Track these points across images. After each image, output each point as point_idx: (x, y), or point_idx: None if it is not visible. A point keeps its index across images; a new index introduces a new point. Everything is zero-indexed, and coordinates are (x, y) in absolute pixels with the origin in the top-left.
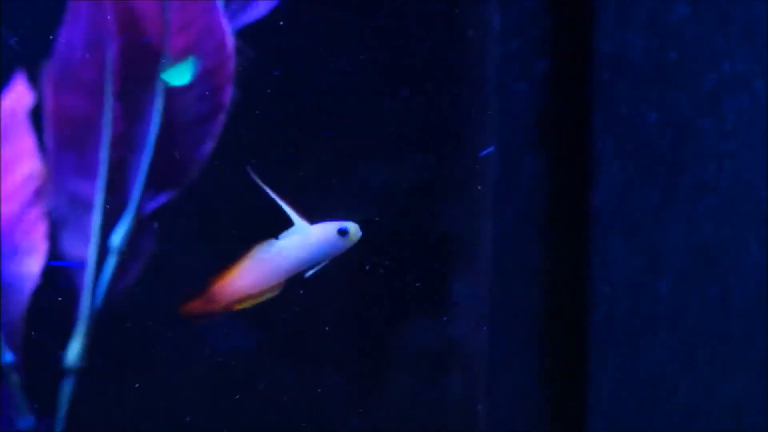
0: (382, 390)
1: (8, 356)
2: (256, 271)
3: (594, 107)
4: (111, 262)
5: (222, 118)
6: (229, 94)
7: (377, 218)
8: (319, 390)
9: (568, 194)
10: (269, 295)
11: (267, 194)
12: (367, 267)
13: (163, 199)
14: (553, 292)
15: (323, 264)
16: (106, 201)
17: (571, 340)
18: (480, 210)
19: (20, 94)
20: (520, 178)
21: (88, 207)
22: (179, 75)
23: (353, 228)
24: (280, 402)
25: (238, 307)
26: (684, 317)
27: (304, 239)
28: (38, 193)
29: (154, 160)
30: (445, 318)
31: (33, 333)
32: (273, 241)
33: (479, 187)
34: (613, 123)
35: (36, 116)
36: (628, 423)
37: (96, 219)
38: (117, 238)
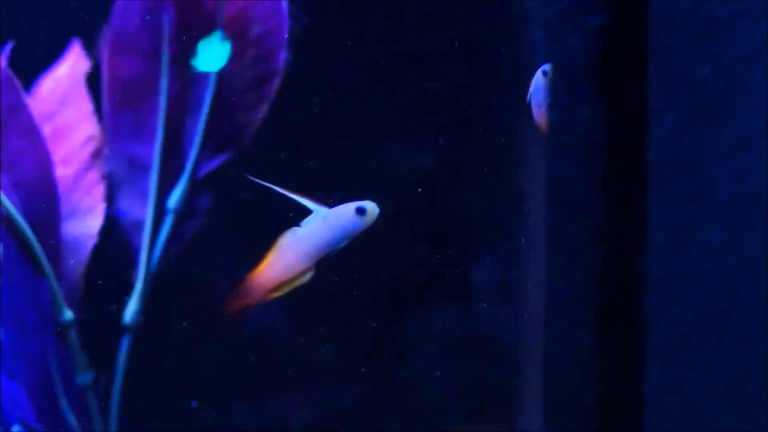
0: (415, 374)
1: (68, 314)
2: (283, 260)
3: (648, 61)
4: (167, 223)
5: (276, 82)
6: (283, 58)
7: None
8: (351, 375)
9: (623, 148)
10: (301, 281)
11: (276, 191)
12: (411, 247)
13: (218, 161)
14: (608, 244)
15: (344, 244)
16: (163, 163)
17: (628, 288)
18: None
19: (77, 60)
20: (573, 132)
21: (145, 169)
22: (211, 60)
23: (370, 206)
24: (315, 382)
25: (273, 296)
26: (733, 266)
27: (324, 223)
28: (96, 156)
29: (210, 123)
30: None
31: (91, 292)
32: (295, 228)
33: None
34: (666, 76)
35: (93, 81)
36: (684, 364)
37: (153, 181)
38: (174, 199)
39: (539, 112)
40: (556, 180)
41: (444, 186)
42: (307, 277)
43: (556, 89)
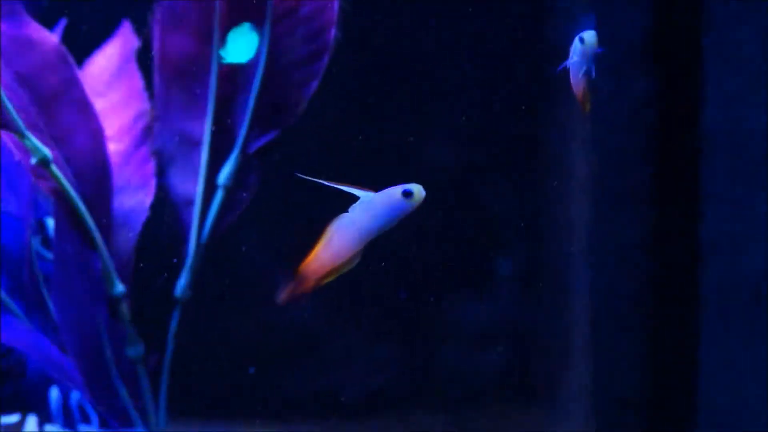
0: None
1: (119, 287)
2: (333, 246)
3: (703, 30)
4: (217, 198)
5: (326, 59)
6: (332, 35)
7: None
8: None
9: (676, 119)
10: (350, 266)
11: (324, 185)
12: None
13: (268, 137)
14: (660, 212)
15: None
16: (213, 139)
17: (679, 255)
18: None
19: (128, 38)
20: (629, 100)
21: (195, 144)
22: (239, 52)
23: (417, 189)
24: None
25: (324, 282)
26: None
27: (371, 207)
28: (147, 132)
29: (260, 99)
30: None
31: (142, 266)
32: (343, 214)
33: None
34: (721, 45)
35: (145, 58)
36: (735, 331)
37: (203, 156)
38: (224, 175)
39: (576, 81)
40: (606, 153)
41: (484, 178)
42: (355, 261)
43: (611, 60)
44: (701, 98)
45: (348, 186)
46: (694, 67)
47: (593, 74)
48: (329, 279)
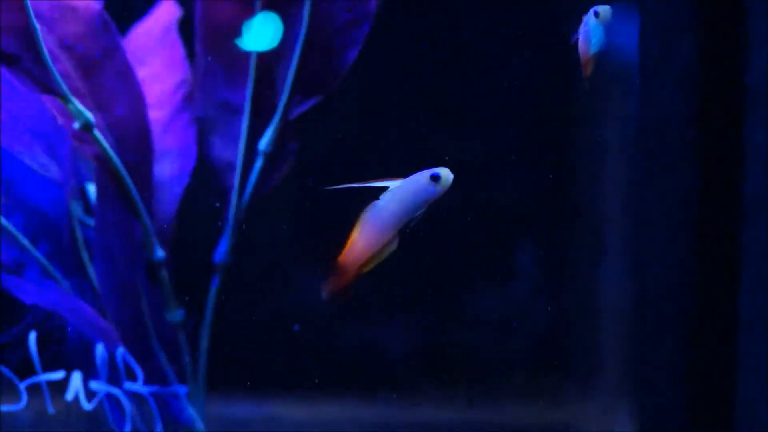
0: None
1: (160, 253)
2: (367, 234)
3: None
4: (258, 165)
5: (367, 26)
6: (374, 2)
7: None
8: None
9: (722, 78)
10: (388, 252)
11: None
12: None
13: (308, 104)
14: (703, 177)
15: (422, 211)
16: (254, 106)
17: (723, 220)
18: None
19: (170, 7)
20: (674, 63)
21: (236, 112)
22: (260, 40)
23: (444, 172)
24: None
25: (365, 270)
26: None
27: (400, 193)
28: (188, 99)
29: (300, 66)
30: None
31: (183, 232)
32: (375, 202)
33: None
34: (765, 9)
35: (186, 27)
36: None
37: (244, 123)
38: (264, 141)
39: (585, 54)
40: (649, 119)
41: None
42: (393, 246)
43: (657, 21)
44: (745, 62)
45: (376, 181)
46: (737, 31)
47: (602, 44)
48: (368, 267)
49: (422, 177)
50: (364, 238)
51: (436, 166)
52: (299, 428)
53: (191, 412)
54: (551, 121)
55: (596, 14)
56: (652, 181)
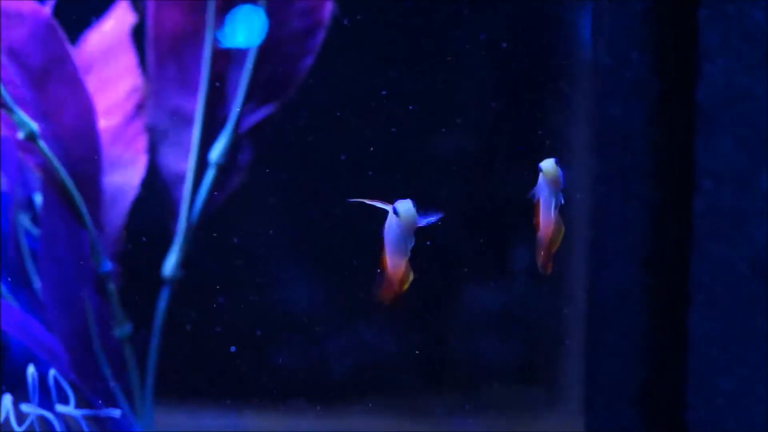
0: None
1: (107, 265)
2: (388, 252)
3: (700, 4)
4: (209, 176)
5: (321, 34)
6: (328, 10)
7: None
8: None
9: (674, 91)
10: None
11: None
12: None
13: (261, 114)
14: (656, 187)
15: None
16: (206, 115)
17: (674, 230)
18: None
19: (123, 14)
20: (625, 75)
21: (188, 121)
22: (236, 37)
23: (401, 207)
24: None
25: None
26: None
27: (387, 226)
28: (139, 108)
29: (254, 75)
30: None
31: (131, 244)
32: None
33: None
34: (718, 20)
35: (138, 35)
36: (730, 312)
37: (195, 133)
38: (216, 152)
39: (546, 219)
40: (606, 122)
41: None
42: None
43: (610, 35)
44: (696, 74)
45: (379, 203)
46: (692, 39)
47: (561, 202)
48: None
49: (391, 214)
50: (388, 255)
51: (396, 174)
52: None
53: (138, 427)
54: (512, 123)
55: (540, 171)
56: (607, 200)
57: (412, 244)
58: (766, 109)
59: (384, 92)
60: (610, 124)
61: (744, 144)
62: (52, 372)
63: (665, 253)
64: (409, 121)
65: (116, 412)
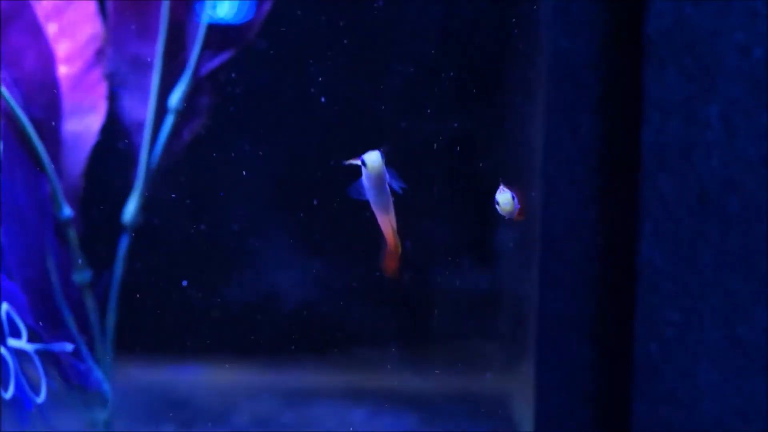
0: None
1: (67, 211)
2: (380, 217)
3: None
4: (168, 122)
5: None
6: None
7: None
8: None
9: (623, 23)
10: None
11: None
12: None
13: (220, 60)
14: (606, 119)
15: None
16: (165, 62)
17: (624, 162)
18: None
19: None
20: (574, 8)
21: (147, 68)
22: (223, 7)
23: (369, 158)
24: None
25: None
26: (732, 143)
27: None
28: (99, 55)
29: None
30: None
31: (91, 190)
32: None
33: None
34: None
35: None
36: (682, 243)
37: (155, 80)
38: (175, 98)
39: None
40: (556, 56)
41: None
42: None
43: None
44: (644, 9)
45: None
46: None
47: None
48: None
49: (364, 170)
50: (381, 221)
51: (358, 120)
52: (211, 393)
53: (98, 374)
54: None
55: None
56: (556, 133)
57: (391, 198)
58: (713, 41)
59: (345, 41)
60: (559, 58)
61: (691, 76)
62: (4, 307)
63: (615, 185)
64: (367, 67)
65: (68, 347)
